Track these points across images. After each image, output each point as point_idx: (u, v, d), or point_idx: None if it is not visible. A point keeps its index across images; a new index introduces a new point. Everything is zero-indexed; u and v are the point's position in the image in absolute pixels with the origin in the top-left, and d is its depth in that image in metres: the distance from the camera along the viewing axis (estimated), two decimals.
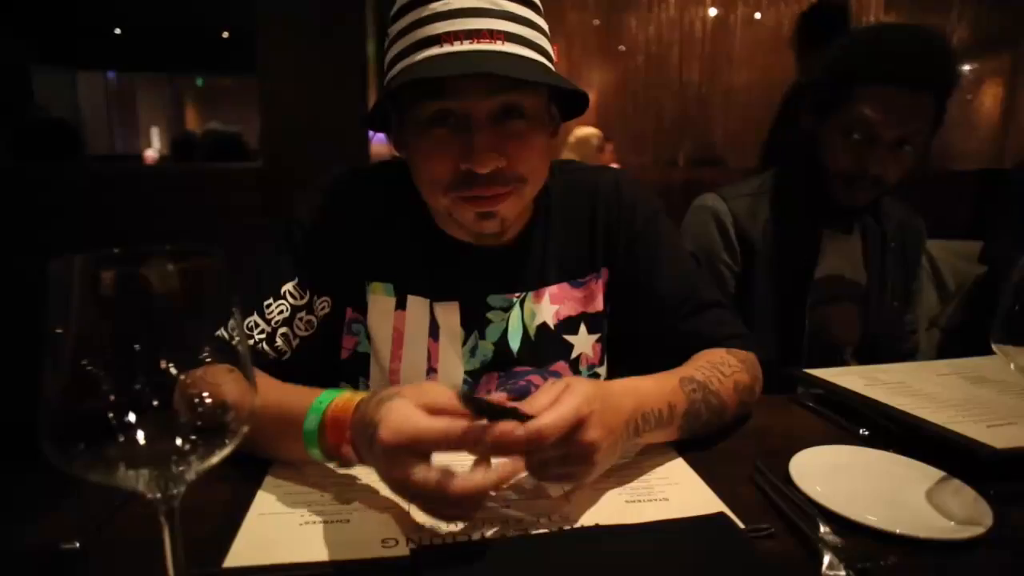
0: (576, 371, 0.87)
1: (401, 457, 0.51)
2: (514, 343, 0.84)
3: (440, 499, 0.50)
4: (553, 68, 0.74)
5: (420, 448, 0.52)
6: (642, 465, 0.69)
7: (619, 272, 0.88)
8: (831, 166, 1.12)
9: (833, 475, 0.66)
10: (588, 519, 0.58)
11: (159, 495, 0.38)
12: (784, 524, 0.59)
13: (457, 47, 0.67)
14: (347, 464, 0.61)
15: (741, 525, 0.57)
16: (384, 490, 0.63)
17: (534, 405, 0.54)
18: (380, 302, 0.83)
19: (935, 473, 0.67)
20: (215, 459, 0.39)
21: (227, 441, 0.40)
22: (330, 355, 0.86)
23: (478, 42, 0.67)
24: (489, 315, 0.84)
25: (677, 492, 0.64)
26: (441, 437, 0.51)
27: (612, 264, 0.88)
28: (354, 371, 0.86)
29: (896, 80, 1.03)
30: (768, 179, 1.23)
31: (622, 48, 4.15)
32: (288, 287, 0.80)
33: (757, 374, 0.83)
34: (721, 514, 0.58)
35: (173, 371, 0.38)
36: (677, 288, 0.86)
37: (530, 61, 0.70)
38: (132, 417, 0.36)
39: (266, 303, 0.79)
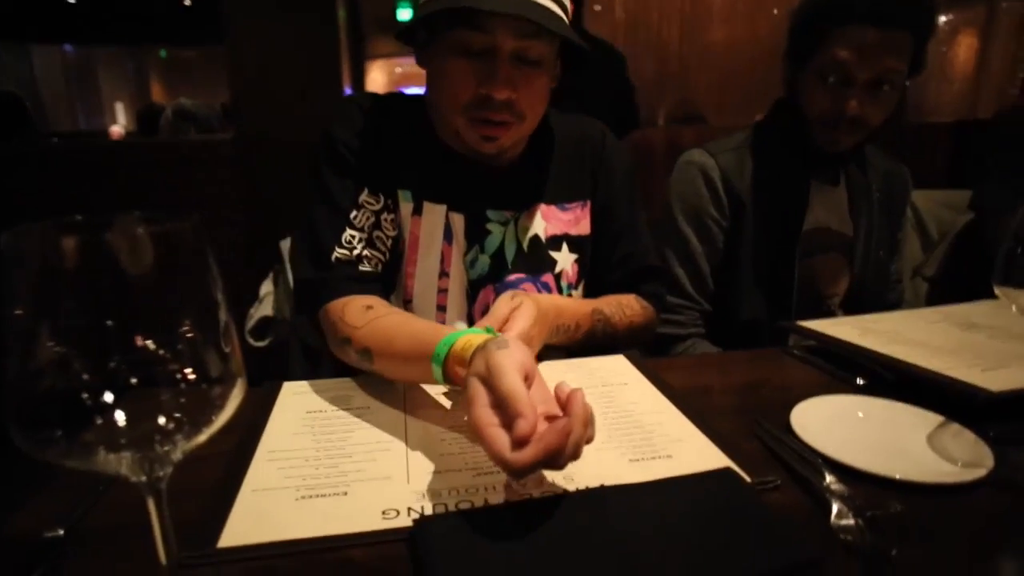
0: (558, 285, 0.97)
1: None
2: (509, 254, 0.94)
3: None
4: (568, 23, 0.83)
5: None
6: (644, 423, 0.68)
7: (596, 212, 1.01)
8: (810, 112, 1.10)
9: (834, 425, 0.65)
10: (592, 480, 0.57)
11: (144, 478, 0.35)
12: (789, 476, 0.58)
13: None
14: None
15: (748, 479, 0.56)
16: (381, 460, 0.61)
17: (495, 317, 0.74)
18: (402, 208, 0.90)
19: (934, 418, 0.67)
20: (202, 437, 0.37)
21: (214, 417, 0.37)
22: None
23: None
24: (488, 226, 0.93)
25: (681, 449, 0.63)
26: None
27: (594, 200, 1.01)
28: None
29: (869, 19, 1.01)
30: (752, 132, 1.20)
31: (598, 8, 4.05)
32: (363, 197, 0.87)
33: (652, 321, 1.03)
34: (728, 469, 0.57)
35: (151, 346, 0.35)
36: (632, 249, 1.02)
37: (555, 14, 0.79)
38: (109, 397, 0.33)
39: (351, 216, 0.86)
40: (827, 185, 1.18)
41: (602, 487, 0.55)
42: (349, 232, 0.86)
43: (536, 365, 0.58)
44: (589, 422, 0.52)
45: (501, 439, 0.50)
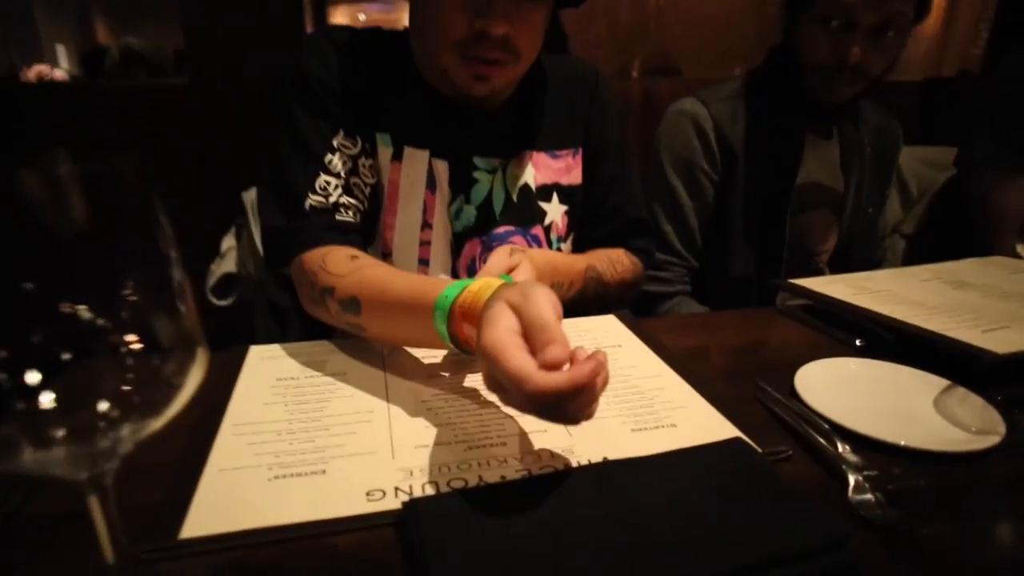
0: (548, 238, 0.92)
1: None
2: (497, 205, 0.89)
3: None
4: None
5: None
6: (643, 389, 0.64)
7: (587, 160, 0.95)
8: (809, 59, 1.04)
9: (839, 389, 0.63)
10: (594, 453, 0.53)
11: (85, 475, 0.29)
12: (797, 444, 0.55)
13: None
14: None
15: (759, 449, 0.53)
16: (362, 433, 0.56)
17: (490, 274, 0.66)
18: (380, 154, 0.84)
19: (939, 382, 0.65)
20: (158, 423, 0.31)
21: (171, 396, 0.31)
22: None
23: None
24: (476, 175, 0.87)
25: (685, 417, 0.59)
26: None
27: (586, 147, 0.95)
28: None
29: None
30: (746, 81, 1.15)
31: None
32: (337, 140, 0.80)
33: (640, 278, 1.00)
34: (737, 439, 0.54)
35: (86, 314, 0.28)
36: (622, 201, 0.97)
37: None
38: (33, 378, 0.27)
39: (326, 159, 0.79)
40: (820, 139, 1.14)
41: (606, 461, 0.51)
42: (324, 178, 0.78)
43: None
44: (606, 382, 0.46)
45: (526, 359, 0.43)
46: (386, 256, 0.86)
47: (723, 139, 1.10)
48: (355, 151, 0.81)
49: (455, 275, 0.87)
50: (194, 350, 0.32)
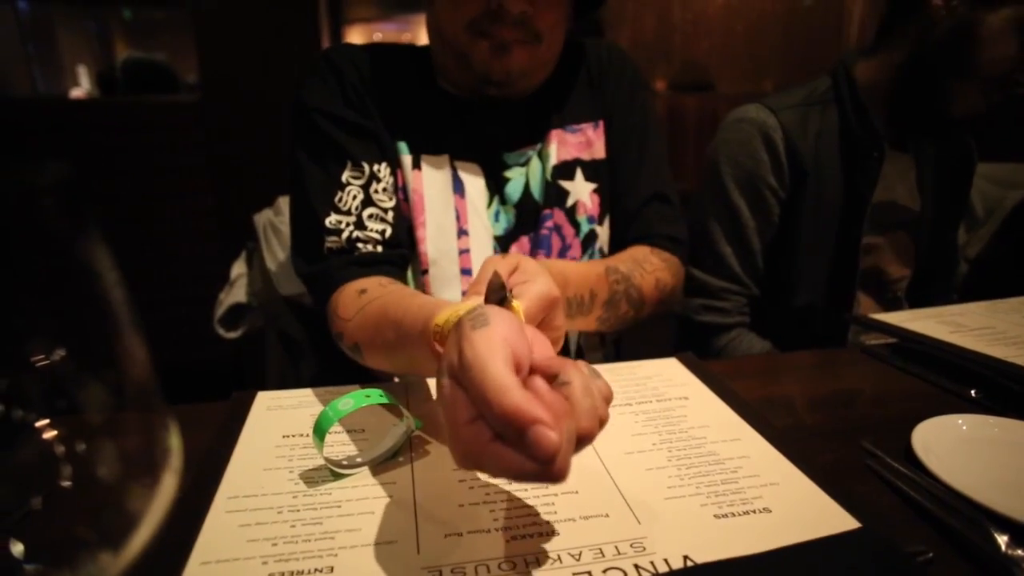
0: (573, 220, 0.83)
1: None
2: (537, 192, 0.82)
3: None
4: None
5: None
6: (723, 458, 0.52)
7: (608, 129, 0.87)
8: (987, 62, 0.88)
9: (972, 457, 0.51)
10: (672, 549, 0.41)
11: None
12: (933, 530, 0.43)
13: None
14: None
15: (900, 548, 0.41)
16: (381, 514, 0.45)
17: (479, 282, 0.50)
18: (404, 164, 0.80)
19: None
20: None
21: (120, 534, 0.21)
22: None
23: None
24: (507, 173, 0.82)
25: (779, 496, 0.47)
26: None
27: (608, 118, 0.87)
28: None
29: None
30: (822, 85, 1.03)
31: None
32: (346, 175, 0.77)
33: (680, 276, 0.87)
34: (864, 530, 0.42)
35: None
36: (645, 171, 0.86)
37: None
38: None
39: (336, 198, 0.76)
40: (895, 152, 1.01)
41: (690, 567, 0.39)
42: (335, 217, 0.75)
43: (539, 337, 0.40)
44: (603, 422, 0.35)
45: (512, 459, 0.32)
46: (424, 273, 0.79)
47: (793, 151, 0.98)
48: (363, 180, 0.77)
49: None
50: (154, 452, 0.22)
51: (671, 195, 0.88)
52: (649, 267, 0.80)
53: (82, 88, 4.61)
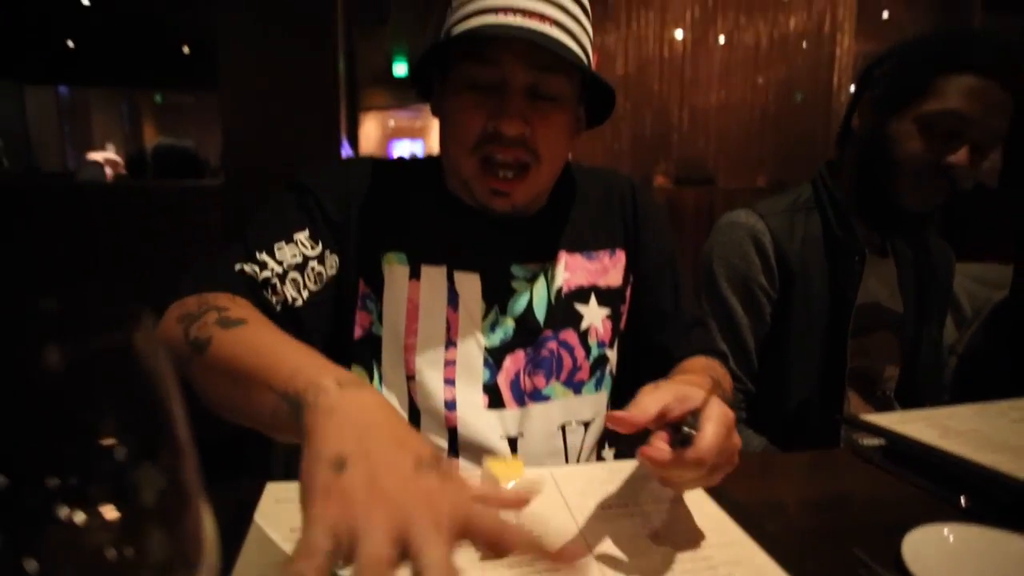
0: (584, 344, 0.85)
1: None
2: (540, 312, 0.83)
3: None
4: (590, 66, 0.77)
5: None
6: (716, 563, 0.54)
7: (631, 262, 0.90)
8: (904, 162, 0.98)
9: (961, 570, 0.52)
10: None
11: None
12: None
13: (511, 20, 0.71)
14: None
15: None
16: None
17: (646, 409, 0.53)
18: (394, 273, 0.80)
19: None
20: None
21: None
22: (342, 331, 0.81)
23: (530, 19, 0.71)
24: (513, 284, 0.83)
25: None
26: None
27: (627, 250, 0.90)
28: (367, 354, 0.81)
29: (990, 73, 0.92)
30: (805, 192, 1.10)
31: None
32: (300, 236, 0.76)
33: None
34: None
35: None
36: (678, 303, 0.90)
37: (572, 51, 0.72)
38: None
39: (276, 244, 0.74)
40: (876, 256, 1.08)
41: None
42: (264, 256, 0.72)
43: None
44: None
45: None
46: (410, 379, 0.79)
47: (781, 254, 1.04)
48: (312, 253, 0.76)
49: (495, 391, 0.79)
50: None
51: (704, 319, 0.94)
52: (720, 369, 0.85)
53: (104, 154, 4.90)
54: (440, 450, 0.77)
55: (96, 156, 4.15)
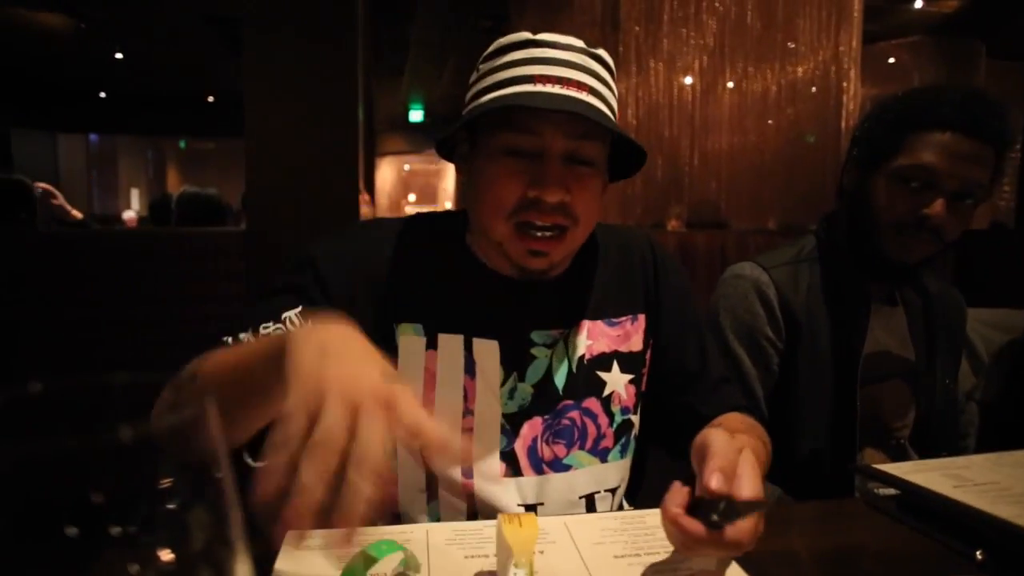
0: (608, 411, 0.84)
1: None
2: (559, 380, 0.83)
3: None
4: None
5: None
6: None
7: (651, 325, 0.89)
8: (884, 216, 1.02)
9: None
10: None
11: None
12: None
13: (549, 89, 0.72)
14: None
15: None
16: None
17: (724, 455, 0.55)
18: (409, 343, 0.80)
19: None
20: None
21: None
22: None
23: (567, 88, 0.72)
24: (533, 351, 0.82)
25: None
26: None
27: (648, 314, 0.89)
28: None
29: (957, 127, 0.96)
30: (808, 244, 1.13)
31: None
32: (290, 314, 0.74)
33: None
34: None
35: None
36: (703, 362, 0.89)
37: (608, 117, 0.74)
38: None
39: (263, 324, 0.73)
40: (885, 306, 1.09)
41: None
42: (248, 336, 0.73)
43: None
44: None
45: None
46: (423, 446, 0.79)
47: (786, 306, 1.06)
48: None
49: (512, 458, 0.80)
50: None
51: (730, 375, 0.95)
52: (760, 428, 0.85)
53: (133, 210, 5.01)
54: (459, 514, 0.79)
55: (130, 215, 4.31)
